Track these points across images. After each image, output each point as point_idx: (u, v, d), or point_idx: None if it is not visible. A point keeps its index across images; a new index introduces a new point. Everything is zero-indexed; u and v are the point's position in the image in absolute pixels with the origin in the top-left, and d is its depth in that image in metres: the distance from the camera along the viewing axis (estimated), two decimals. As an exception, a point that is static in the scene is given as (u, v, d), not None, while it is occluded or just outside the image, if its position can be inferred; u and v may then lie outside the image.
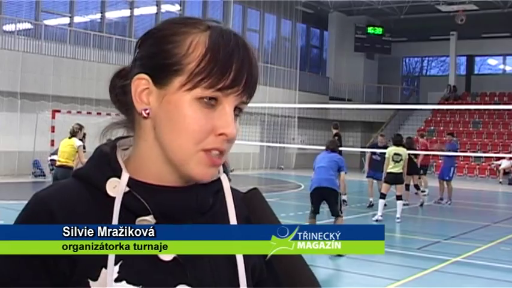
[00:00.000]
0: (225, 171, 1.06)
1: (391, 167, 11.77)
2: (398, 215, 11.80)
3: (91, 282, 0.92)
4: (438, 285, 7.39)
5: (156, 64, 0.96)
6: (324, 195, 8.87)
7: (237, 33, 0.97)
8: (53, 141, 17.12)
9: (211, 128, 0.93)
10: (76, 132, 10.05)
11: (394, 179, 11.79)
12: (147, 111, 0.96)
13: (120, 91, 1.02)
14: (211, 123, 0.93)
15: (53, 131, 17.22)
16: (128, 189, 0.96)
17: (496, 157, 15.44)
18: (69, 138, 10.06)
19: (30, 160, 18.23)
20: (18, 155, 18.04)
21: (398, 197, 11.88)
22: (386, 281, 7.22)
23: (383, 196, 11.68)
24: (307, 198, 15.60)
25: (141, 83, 0.96)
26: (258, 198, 0.94)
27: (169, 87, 0.94)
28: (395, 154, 11.77)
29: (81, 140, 10.13)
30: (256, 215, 0.93)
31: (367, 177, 13.97)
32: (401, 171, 11.82)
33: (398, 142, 12.08)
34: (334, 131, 15.48)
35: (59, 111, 17.62)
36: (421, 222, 12.59)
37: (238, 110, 0.98)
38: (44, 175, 17.58)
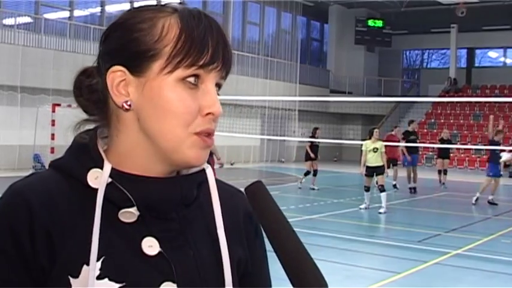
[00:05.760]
0: (208, 162, 1.02)
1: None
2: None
3: (72, 280, 0.88)
4: (439, 278, 7.40)
5: (129, 54, 0.93)
6: None
7: (203, 11, 0.97)
8: (53, 135, 17.12)
9: (198, 109, 0.92)
10: None
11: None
12: (128, 103, 0.92)
13: (87, 90, 0.99)
14: (197, 104, 0.92)
15: (53, 125, 17.19)
16: (110, 180, 0.92)
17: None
18: None
19: (31, 154, 18.23)
20: (18, 149, 18.06)
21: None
22: (387, 274, 7.23)
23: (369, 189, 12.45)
24: (308, 191, 15.75)
25: (116, 76, 0.93)
26: (262, 192, 0.90)
27: (148, 73, 0.92)
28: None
29: None
30: (259, 209, 0.89)
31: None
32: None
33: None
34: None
35: (59, 105, 17.56)
36: (421, 215, 12.61)
37: (217, 88, 0.96)
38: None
